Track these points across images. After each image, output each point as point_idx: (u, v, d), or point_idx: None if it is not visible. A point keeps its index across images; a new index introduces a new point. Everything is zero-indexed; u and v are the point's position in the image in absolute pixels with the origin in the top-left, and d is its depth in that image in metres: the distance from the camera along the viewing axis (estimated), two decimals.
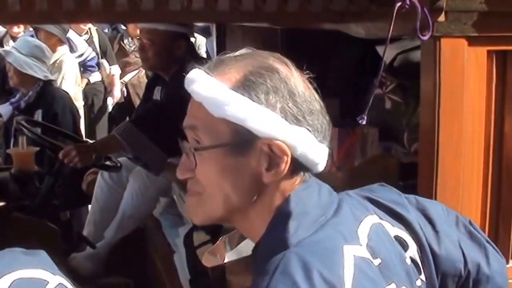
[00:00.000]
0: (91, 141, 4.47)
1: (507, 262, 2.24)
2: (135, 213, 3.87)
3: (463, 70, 2.10)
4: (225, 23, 4.29)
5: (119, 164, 3.93)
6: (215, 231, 2.65)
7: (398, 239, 1.37)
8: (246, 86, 1.26)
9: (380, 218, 1.37)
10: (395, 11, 1.79)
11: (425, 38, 1.84)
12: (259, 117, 1.25)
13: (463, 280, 1.43)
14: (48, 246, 1.38)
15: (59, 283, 1.16)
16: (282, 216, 1.28)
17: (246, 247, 2.30)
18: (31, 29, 6.95)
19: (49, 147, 3.97)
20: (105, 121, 7.48)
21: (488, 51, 2.15)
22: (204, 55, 7.67)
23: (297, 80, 1.30)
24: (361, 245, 1.27)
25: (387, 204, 1.41)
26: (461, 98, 2.11)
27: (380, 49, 2.83)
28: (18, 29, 7.31)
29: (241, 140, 1.26)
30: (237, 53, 1.34)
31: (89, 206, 4.32)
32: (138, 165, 3.82)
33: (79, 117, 5.13)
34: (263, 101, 1.25)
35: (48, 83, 4.90)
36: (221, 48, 4.48)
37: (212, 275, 2.20)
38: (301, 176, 1.32)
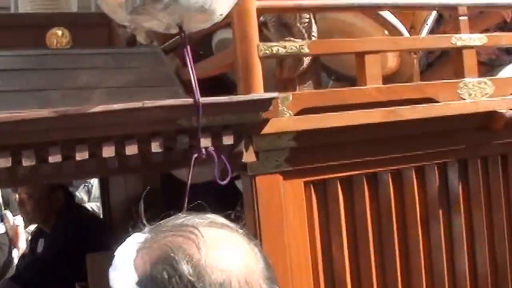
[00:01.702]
0: None
1: None
2: None
3: (281, 204, 2.21)
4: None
5: None
6: None
7: None
8: (148, 283, 0.95)
9: None
10: (192, 161, 1.92)
11: (224, 182, 1.95)
12: None
13: None
14: None
15: None
16: None
17: None
18: None
19: None
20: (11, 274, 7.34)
21: (305, 182, 2.28)
22: None
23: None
24: None
25: None
26: (282, 232, 2.20)
27: (239, 184, 2.98)
28: None
29: None
30: (182, 213, 1.05)
31: None
32: None
33: None
34: None
35: None
36: (104, 190, 4.54)
37: None
38: None
